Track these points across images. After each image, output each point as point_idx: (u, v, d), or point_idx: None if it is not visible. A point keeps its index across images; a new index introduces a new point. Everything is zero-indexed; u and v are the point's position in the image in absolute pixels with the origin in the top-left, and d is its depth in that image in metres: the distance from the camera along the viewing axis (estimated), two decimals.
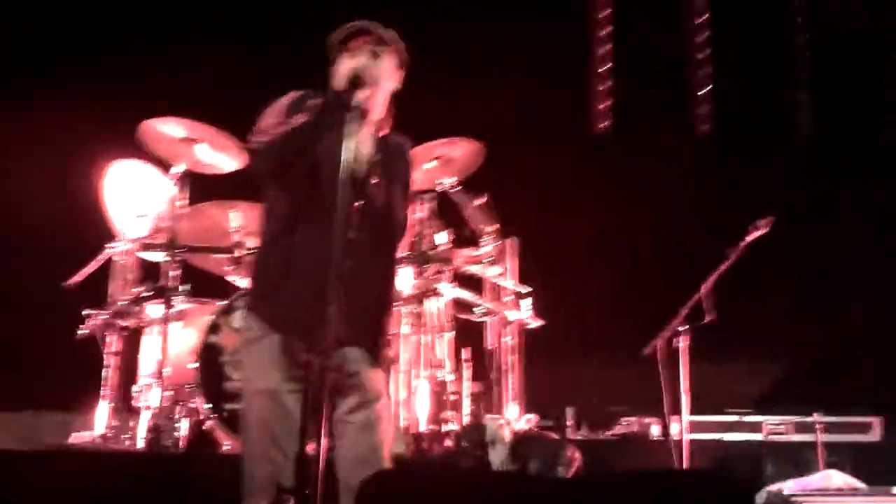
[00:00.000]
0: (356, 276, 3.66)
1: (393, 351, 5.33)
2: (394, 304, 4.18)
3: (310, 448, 3.46)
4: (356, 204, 3.67)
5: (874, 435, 6.41)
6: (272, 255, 3.81)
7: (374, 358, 3.80)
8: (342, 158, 3.43)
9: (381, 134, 3.86)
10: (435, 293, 5.72)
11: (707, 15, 8.60)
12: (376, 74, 3.74)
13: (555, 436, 5.59)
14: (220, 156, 6.09)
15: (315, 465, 3.24)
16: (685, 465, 5.32)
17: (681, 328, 5.60)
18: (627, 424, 6.40)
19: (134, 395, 5.69)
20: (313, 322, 3.34)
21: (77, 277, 5.93)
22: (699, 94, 8.50)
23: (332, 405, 3.68)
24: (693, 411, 5.58)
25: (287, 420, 3.62)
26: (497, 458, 5.14)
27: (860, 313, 7.59)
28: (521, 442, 5.21)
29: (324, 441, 3.29)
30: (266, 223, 3.87)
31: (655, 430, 6.29)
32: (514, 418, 5.64)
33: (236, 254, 5.80)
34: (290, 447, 3.57)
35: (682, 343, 5.58)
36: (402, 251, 4.21)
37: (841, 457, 6.11)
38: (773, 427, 6.39)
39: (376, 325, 3.86)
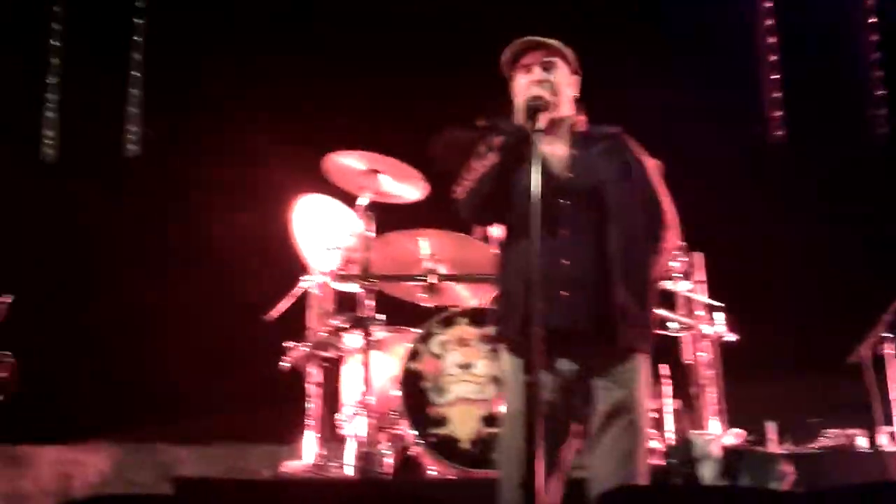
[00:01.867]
0: (585, 282, 3.75)
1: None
2: (649, 300, 3.95)
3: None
4: (560, 203, 3.76)
5: None
6: (503, 279, 3.93)
7: (621, 366, 3.79)
8: (531, 185, 3.51)
9: (578, 131, 3.96)
10: None
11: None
12: (552, 88, 3.84)
13: (765, 450, 5.47)
14: (403, 186, 6.20)
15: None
16: None
17: (885, 334, 5.47)
18: (832, 437, 6.22)
19: (338, 423, 5.80)
20: (539, 341, 3.41)
21: (275, 311, 6.09)
22: (876, 96, 8.30)
23: (578, 423, 3.77)
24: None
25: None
26: (707, 473, 5.07)
27: None
28: (732, 457, 5.12)
29: (540, 464, 3.34)
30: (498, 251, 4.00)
31: (862, 442, 6.09)
32: (719, 433, 5.56)
33: (429, 280, 5.93)
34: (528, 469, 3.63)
35: (888, 350, 5.45)
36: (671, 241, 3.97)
37: None
38: None
39: (617, 329, 3.77)
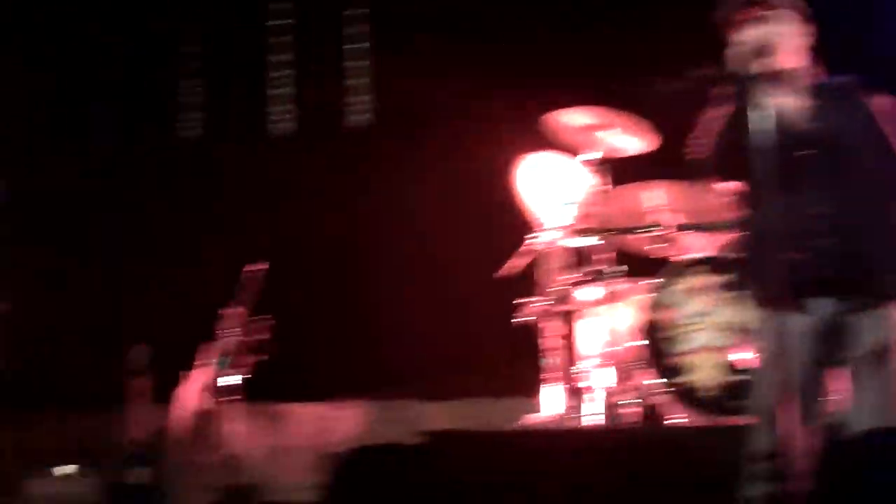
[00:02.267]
0: (831, 231, 3.74)
1: None
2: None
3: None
4: (801, 154, 3.73)
5: None
6: (748, 231, 3.93)
7: (874, 312, 3.75)
8: (766, 135, 3.50)
9: (810, 83, 3.88)
10: None
11: None
12: (774, 40, 3.75)
13: None
14: (628, 138, 6.15)
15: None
16: None
17: None
18: None
19: (576, 376, 5.85)
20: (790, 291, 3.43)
21: (506, 269, 6.16)
22: None
23: (832, 368, 3.75)
24: None
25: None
26: None
27: None
28: None
29: (795, 409, 3.30)
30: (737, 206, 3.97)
31: None
32: None
33: (656, 232, 5.94)
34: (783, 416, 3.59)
35: None
36: None
37: None
38: None
39: (868, 276, 3.77)
